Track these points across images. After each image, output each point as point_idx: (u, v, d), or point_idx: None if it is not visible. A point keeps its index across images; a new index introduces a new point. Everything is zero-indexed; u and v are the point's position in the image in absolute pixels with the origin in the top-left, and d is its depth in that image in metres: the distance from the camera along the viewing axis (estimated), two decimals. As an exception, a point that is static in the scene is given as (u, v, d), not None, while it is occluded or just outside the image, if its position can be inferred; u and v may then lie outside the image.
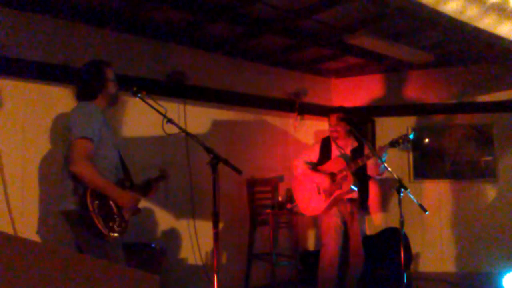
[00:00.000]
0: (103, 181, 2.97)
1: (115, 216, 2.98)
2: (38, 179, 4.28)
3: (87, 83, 3.22)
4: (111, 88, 3.27)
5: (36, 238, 4.14)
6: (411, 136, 4.27)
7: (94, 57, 3.45)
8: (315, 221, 6.36)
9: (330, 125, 4.68)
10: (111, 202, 2.98)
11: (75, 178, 2.98)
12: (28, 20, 4.28)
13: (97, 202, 2.90)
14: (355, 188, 4.45)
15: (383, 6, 4.55)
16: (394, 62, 6.32)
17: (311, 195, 4.59)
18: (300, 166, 4.68)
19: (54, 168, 4.36)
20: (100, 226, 2.85)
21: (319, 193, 4.53)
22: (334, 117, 4.63)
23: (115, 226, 2.95)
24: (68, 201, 3.01)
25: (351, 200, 4.57)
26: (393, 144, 4.29)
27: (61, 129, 4.40)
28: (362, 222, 4.66)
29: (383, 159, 4.20)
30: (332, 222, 4.52)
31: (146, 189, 3.46)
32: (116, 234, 2.94)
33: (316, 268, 4.64)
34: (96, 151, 3.04)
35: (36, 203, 4.24)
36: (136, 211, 3.23)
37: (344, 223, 4.58)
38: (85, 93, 3.22)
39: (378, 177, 4.63)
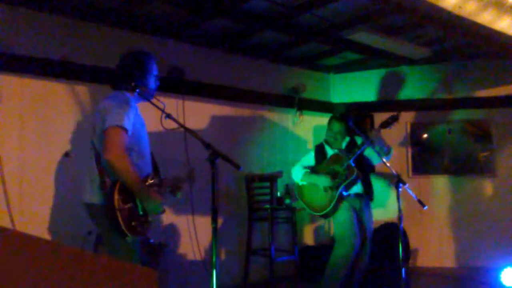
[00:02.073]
0: (135, 178, 2.85)
1: (139, 217, 2.89)
2: (37, 175, 4.29)
3: (128, 71, 3.10)
4: (151, 83, 3.17)
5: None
6: (398, 116, 4.36)
7: (132, 50, 3.33)
8: (314, 217, 6.38)
9: (331, 130, 4.68)
10: (137, 201, 2.88)
11: (104, 170, 2.87)
12: (26, 16, 4.28)
13: (123, 199, 2.80)
14: (358, 177, 4.46)
15: (383, 2, 4.55)
16: (393, 58, 6.32)
17: (317, 193, 4.59)
18: (298, 172, 4.70)
19: (52, 164, 4.37)
20: (122, 225, 2.76)
21: (326, 190, 4.53)
22: (337, 125, 4.64)
23: (137, 227, 2.86)
24: (94, 194, 2.91)
25: (358, 196, 4.58)
26: (384, 125, 4.37)
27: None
28: (370, 219, 4.63)
29: (381, 142, 4.25)
30: (349, 216, 4.50)
31: (173, 186, 3.30)
32: (136, 235, 2.87)
33: (315, 263, 4.63)
34: (132, 147, 2.94)
35: (35, 199, 4.24)
36: (161, 211, 3.11)
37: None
38: (122, 82, 3.09)
39: (388, 158, 4.54)
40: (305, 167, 4.72)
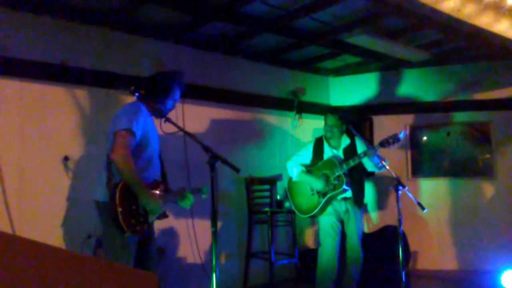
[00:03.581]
0: (137, 179, 3.01)
1: (139, 216, 3.03)
2: (36, 179, 4.28)
3: (153, 88, 3.28)
4: (169, 105, 3.35)
5: (34, 237, 4.14)
6: (400, 136, 4.24)
7: (170, 69, 3.65)
8: (314, 219, 6.38)
9: (326, 124, 4.68)
10: (138, 201, 3.03)
11: (110, 169, 3.04)
12: (26, 20, 4.28)
13: (125, 198, 2.96)
14: (348, 188, 4.46)
15: (382, 4, 4.55)
16: (392, 61, 6.33)
17: (305, 196, 4.61)
18: (294, 168, 4.70)
19: (52, 168, 4.37)
20: (121, 221, 2.90)
21: (313, 194, 4.55)
22: (331, 118, 4.62)
23: (137, 225, 2.99)
24: (100, 192, 3.08)
25: (345, 199, 4.57)
26: (383, 144, 4.26)
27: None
28: (359, 221, 4.62)
29: (376, 159, 4.21)
30: (329, 221, 4.53)
31: (179, 195, 3.44)
32: (134, 233, 2.99)
33: (315, 266, 4.65)
34: (140, 151, 3.11)
35: (34, 203, 4.24)
36: (162, 215, 3.25)
37: (341, 222, 4.59)
38: (144, 93, 3.27)
39: (379, 170, 4.57)
40: (301, 164, 4.72)
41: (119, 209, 2.90)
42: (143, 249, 3.21)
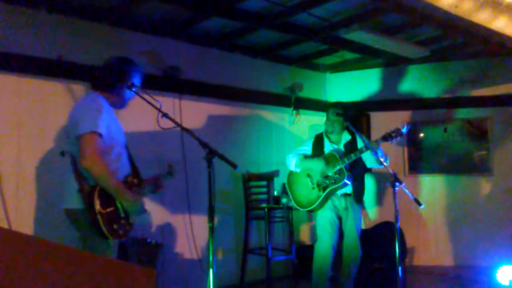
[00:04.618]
0: (114, 182, 2.86)
1: (120, 219, 2.89)
2: (33, 175, 4.28)
3: (109, 74, 3.08)
4: (128, 93, 3.15)
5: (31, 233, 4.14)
6: (403, 130, 4.24)
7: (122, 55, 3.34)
8: (311, 216, 6.39)
9: (328, 119, 4.65)
10: (118, 204, 2.88)
11: (81, 175, 2.86)
12: (25, 15, 4.28)
13: (103, 203, 2.80)
14: (349, 182, 4.44)
15: (381, 0, 4.55)
16: (390, 57, 6.33)
17: (305, 189, 4.59)
18: (292, 157, 4.67)
19: (50, 163, 4.37)
20: (103, 228, 2.75)
21: (313, 187, 4.53)
22: (333, 112, 4.60)
23: (119, 230, 2.86)
24: (72, 199, 2.89)
25: (345, 195, 4.56)
26: (386, 138, 4.26)
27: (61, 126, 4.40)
28: (358, 218, 4.60)
29: (379, 153, 4.20)
30: (327, 216, 4.52)
31: (154, 185, 3.32)
32: (118, 238, 2.87)
33: (311, 262, 4.64)
34: (107, 150, 2.92)
35: (31, 199, 4.24)
36: (142, 211, 3.09)
37: (339, 218, 4.58)
38: (100, 83, 3.08)
39: (379, 166, 4.57)
40: (300, 154, 4.70)
41: (100, 217, 2.74)
42: (126, 249, 3.13)
